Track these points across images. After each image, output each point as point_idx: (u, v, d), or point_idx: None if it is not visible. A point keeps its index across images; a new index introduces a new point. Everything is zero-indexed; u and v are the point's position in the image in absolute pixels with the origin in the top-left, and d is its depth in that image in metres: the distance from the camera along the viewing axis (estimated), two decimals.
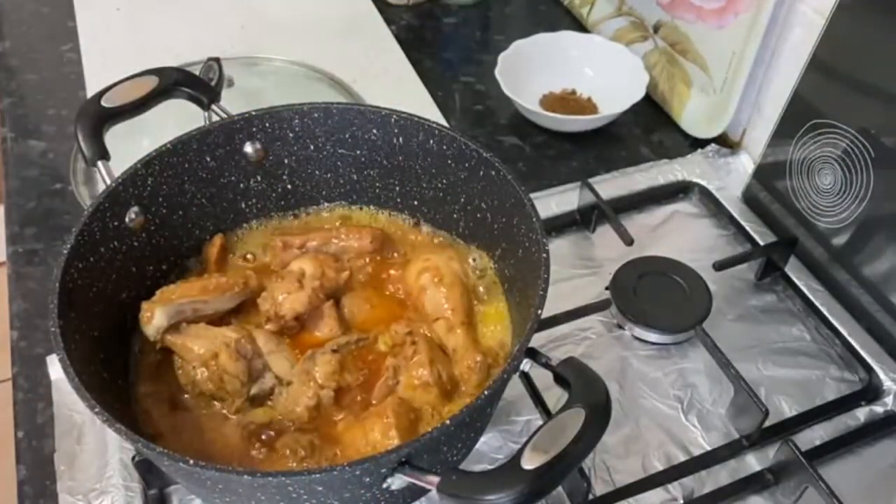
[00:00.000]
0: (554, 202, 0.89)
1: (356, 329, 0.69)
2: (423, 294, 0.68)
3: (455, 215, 0.73)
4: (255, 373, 0.64)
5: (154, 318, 0.63)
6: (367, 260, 0.73)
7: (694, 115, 1.00)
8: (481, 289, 0.70)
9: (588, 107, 1.03)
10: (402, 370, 0.64)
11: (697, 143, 0.98)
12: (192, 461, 0.49)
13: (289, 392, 0.63)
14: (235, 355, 0.62)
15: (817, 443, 0.69)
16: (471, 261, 0.72)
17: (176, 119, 0.75)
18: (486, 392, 0.53)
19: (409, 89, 1.06)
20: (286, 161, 0.74)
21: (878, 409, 0.72)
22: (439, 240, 0.75)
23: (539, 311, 0.56)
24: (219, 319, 0.67)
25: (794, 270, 0.82)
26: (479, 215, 0.71)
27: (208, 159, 0.70)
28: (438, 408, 0.62)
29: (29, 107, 1.02)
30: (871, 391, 0.73)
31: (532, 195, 0.63)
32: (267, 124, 0.71)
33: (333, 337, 0.67)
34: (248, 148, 0.72)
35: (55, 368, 0.72)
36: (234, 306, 0.68)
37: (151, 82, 0.73)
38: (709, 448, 0.69)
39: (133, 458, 0.64)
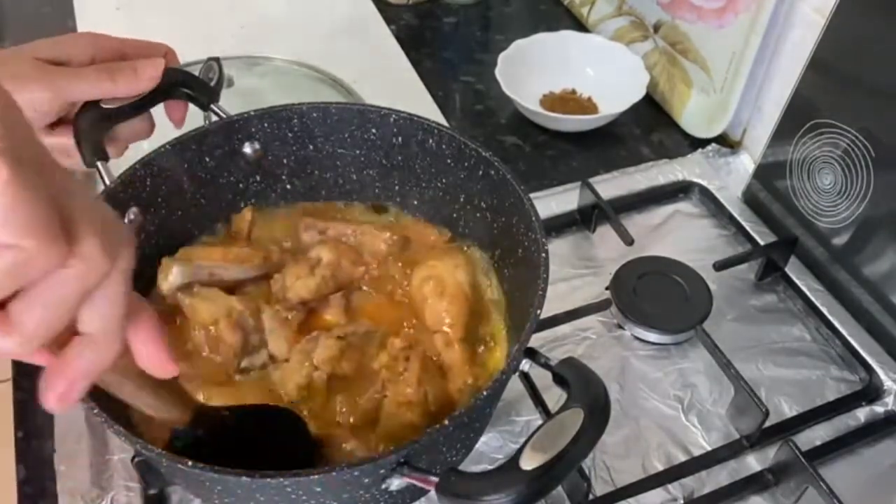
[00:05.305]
0: (554, 202, 0.88)
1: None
2: (424, 304, 0.67)
3: (455, 215, 0.73)
4: (251, 347, 0.64)
5: (171, 274, 0.63)
6: (379, 262, 0.71)
7: (694, 115, 0.99)
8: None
9: (588, 107, 1.03)
10: (390, 384, 0.62)
11: (697, 143, 0.98)
12: (190, 462, 0.48)
13: (283, 368, 0.63)
14: (235, 326, 0.62)
15: (817, 443, 0.69)
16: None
17: None
18: (485, 392, 0.53)
19: (409, 89, 1.06)
20: (285, 161, 0.74)
21: (879, 409, 0.72)
22: (446, 244, 0.73)
23: (539, 311, 0.56)
24: (236, 289, 0.67)
25: (794, 270, 0.82)
26: (478, 215, 0.70)
27: (207, 159, 0.70)
28: (420, 428, 0.60)
29: None
30: (872, 391, 0.73)
31: (532, 195, 0.63)
32: (266, 124, 0.71)
33: (340, 324, 0.67)
34: (247, 148, 0.72)
35: None
36: (253, 278, 0.68)
37: None
38: (709, 448, 0.69)
39: (133, 458, 0.64)
